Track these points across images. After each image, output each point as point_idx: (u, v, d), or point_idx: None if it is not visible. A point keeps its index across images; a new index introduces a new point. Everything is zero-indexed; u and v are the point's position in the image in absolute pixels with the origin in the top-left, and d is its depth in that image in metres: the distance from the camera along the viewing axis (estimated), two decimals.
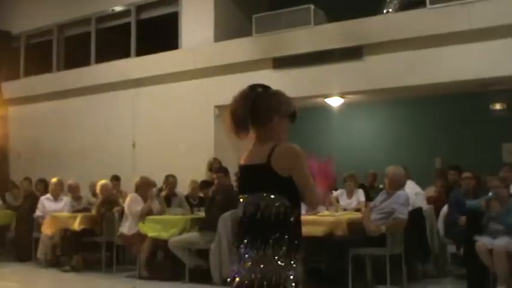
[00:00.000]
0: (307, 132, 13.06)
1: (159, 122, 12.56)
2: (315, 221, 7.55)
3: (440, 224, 8.43)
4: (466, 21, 9.62)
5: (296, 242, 3.05)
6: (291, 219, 3.07)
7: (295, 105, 3.23)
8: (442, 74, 10.00)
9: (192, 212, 9.30)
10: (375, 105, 12.50)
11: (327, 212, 7.89)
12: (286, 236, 3.03)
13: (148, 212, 9.02)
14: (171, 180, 9.57)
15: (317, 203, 3.24)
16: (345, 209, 8.38)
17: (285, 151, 3.05)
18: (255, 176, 3.14)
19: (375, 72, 10.42)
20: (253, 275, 3.00)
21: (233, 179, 9.36)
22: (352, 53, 10.55)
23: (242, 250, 3.07)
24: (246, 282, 3.01)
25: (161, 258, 9.02)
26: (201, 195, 10.00)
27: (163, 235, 8.63)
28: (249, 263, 3.02)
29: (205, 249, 8.32)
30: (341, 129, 12.78)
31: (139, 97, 12.95)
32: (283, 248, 3.01)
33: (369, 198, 9.09)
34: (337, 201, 9.03)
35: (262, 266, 2.99)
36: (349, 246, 7.12)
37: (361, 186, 10.07)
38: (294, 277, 3.02)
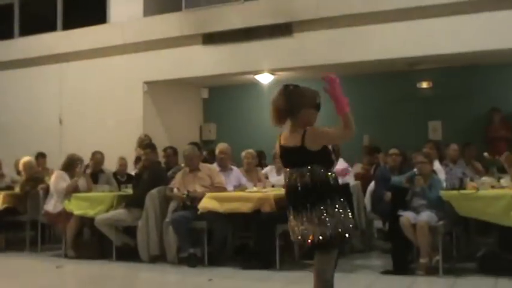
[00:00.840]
0: (237, 108, 13.08)
1: (87, 98, 12.31)
2: (243, 197, 7.54)
3: (367, 200, 8.56)
4: (393, 0, 9.76)
5: (342, 199, 3.92)
6: (331, 181, 3.95)
7: (319, 96, 4.11)
8: (371, 52, 10.16)
9: (119, 189, 9.14)
10: (305, 83, 12.37)
11: (254, 188, 7.88)
12: (335, 194, 3.91)
13: (75, 190, 8.84)
14: (97, 157, 9.38)
15: (349, 133, 3.93)
16: (273, 186, 8.39)
17: (311, 134, 3.94)
18: (295, 155, 3.99)
19: (305, 50, 10.47)
20: (326, 230, 3.82)
21: (161, 155, 9.27)
22: (282, 30, 10.58)
23: (305, 213, 3.89)
24: (320, 236, 3.83)
25: (88, 237, 8.85)
26: (130, 172, 9.87)
27: (90, 213, 8.46)
28: (316, 221, 3.84)
29: (132, 226, 8.22)
30: None
31: (66, 72, 12.65)
32: (337, 203, 3.87)
33: None
34: (267, 177, 9.04)
35: (329, 220, 3.82)
36: (277, 223, 7.13)
37: None
38: (353, 225, 3.93)
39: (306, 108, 4.04)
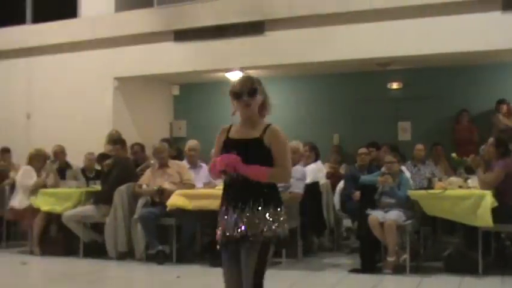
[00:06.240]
0: (208, 105, 13.02)
1: (56, 93, 12.14)
2: (212, 194, 7.50)
3: (336, 199, 8.59)
4: (366, 0, 9.83)
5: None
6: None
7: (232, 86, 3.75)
8: (342, 52, 10.20)
9: (87, 185, 9.05)
10: (276, 81, 12.48)
11: None
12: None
13: (42, 185, 8.74)
14: (55, 150, 9.30)
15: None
16: None
17: None
18: None
19: (276, 48, 10.48)
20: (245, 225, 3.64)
21: (129, 152, 9.20)
22: (254, 28, 10.58)
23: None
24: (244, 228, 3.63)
25: (54, 233, 8.75)
26: (98, 168, 9.77)
27: (57, 209, 8.40)
28: (245, 218, 3.64)
29: (100, 222, 8.16)
30: None
31: (35, 66, 12.44)
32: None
33: None
34: None
35: (254, 218, 3.63)
36: None
37: None
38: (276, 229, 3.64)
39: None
